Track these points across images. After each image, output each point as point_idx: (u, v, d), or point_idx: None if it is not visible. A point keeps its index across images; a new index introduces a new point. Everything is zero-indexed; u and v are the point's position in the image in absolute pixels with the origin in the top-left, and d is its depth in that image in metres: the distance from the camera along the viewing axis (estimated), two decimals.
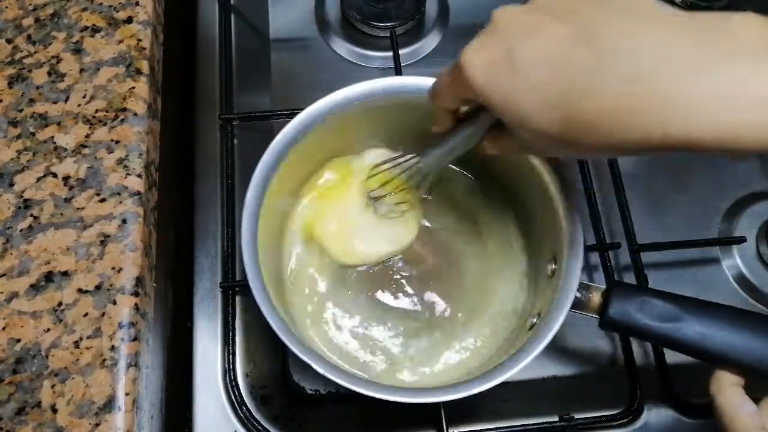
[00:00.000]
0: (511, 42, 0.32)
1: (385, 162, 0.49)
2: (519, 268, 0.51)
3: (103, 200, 0.45)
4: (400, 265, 0.51)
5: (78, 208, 0.45)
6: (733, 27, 0.28)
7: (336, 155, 0.53)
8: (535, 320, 0.44)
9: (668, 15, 0.30)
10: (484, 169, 0.53)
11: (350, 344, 0.49)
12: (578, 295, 0.42)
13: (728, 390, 0.37)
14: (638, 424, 0.50)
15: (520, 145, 0.36)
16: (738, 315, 0.39)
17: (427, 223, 0.52)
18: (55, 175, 0.46)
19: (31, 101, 0.48)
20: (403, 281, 0.50)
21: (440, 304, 0.50)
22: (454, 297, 0.50)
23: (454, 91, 0.37)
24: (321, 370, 0.39)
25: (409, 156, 0.47)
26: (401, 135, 0.53)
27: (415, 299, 0.50)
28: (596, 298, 0.42)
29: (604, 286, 0.43)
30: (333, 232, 0.50)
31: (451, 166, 0.54)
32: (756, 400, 0.37)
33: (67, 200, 0.45)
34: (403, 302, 0.50)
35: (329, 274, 0.51)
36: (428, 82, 0.47)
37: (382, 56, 0.67)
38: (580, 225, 0.43)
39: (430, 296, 0.50)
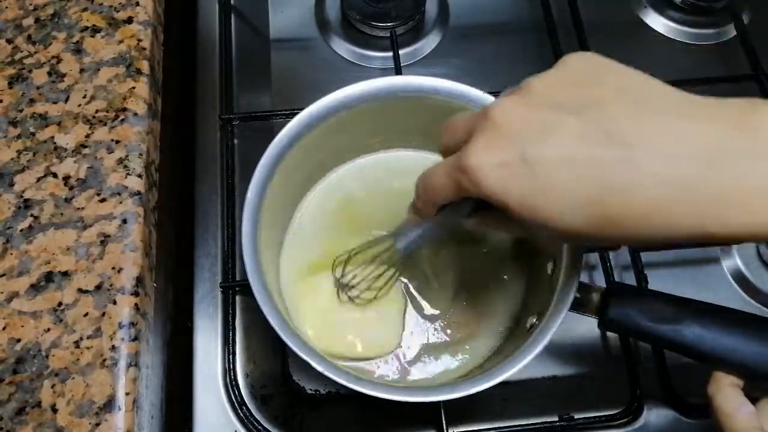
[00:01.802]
0: (523, 142, 0.30)
1: (354, 250, 0.47)
2: (519, 267, 0.51)
3: (103, 200, 0.45)
4: (402, 268, 0.51)
5: (78, 208, 0.45)
6: (756, 123, 0.28)
7: (336, 156, 0.53)
8: (534, 320, 0.44)
9: (687, 106, 0.29)
10: None
11: (351, 344, 0.49)
12: (577, 295, 0.42)
13: (726, 391, 0.37)
14: (638, 424, 0.50)
15: (518, 226, 0.34)
16: (737, 317, 0.39)
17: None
18: (55, 175, 0.46)
19: (31, 101, 0.48)
20: (406, 284, 0.50)
21: (441, 306, 0.50)
22: (453, 298, 0.50)
23: (453, 191, 0.34)
24: (321, 369, 0.39)
25: (383, 239, 0.46)
26: (402, 135, 0.53)
27: (417, 301, 0.50)
28: (595, 298, 0.42)
29: (603, 287, 0.43)
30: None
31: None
32: (753, 401, 0.37)
33: (67, 200, 0.45)
34: (405, 304, 0.50)
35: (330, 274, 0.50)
36: (429, 82, 0.47)
37: (382, 56, 0.67)
38: None
39: (432, 299, 0.50)
